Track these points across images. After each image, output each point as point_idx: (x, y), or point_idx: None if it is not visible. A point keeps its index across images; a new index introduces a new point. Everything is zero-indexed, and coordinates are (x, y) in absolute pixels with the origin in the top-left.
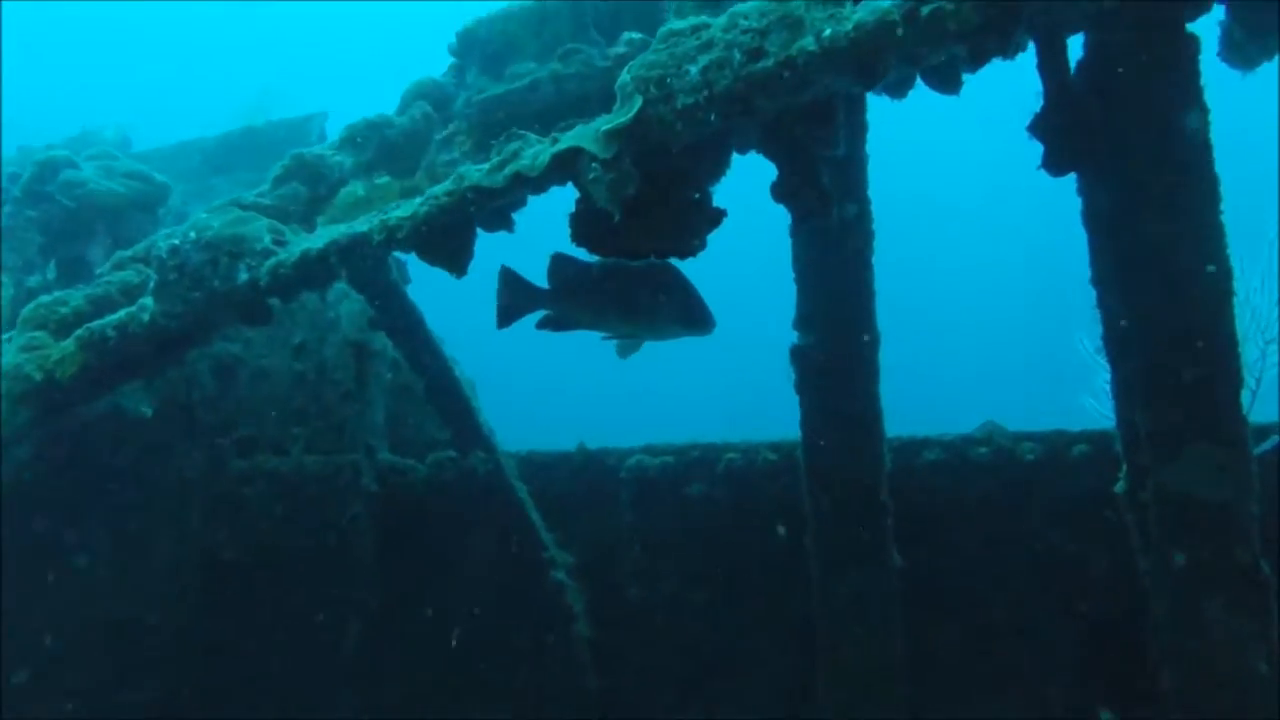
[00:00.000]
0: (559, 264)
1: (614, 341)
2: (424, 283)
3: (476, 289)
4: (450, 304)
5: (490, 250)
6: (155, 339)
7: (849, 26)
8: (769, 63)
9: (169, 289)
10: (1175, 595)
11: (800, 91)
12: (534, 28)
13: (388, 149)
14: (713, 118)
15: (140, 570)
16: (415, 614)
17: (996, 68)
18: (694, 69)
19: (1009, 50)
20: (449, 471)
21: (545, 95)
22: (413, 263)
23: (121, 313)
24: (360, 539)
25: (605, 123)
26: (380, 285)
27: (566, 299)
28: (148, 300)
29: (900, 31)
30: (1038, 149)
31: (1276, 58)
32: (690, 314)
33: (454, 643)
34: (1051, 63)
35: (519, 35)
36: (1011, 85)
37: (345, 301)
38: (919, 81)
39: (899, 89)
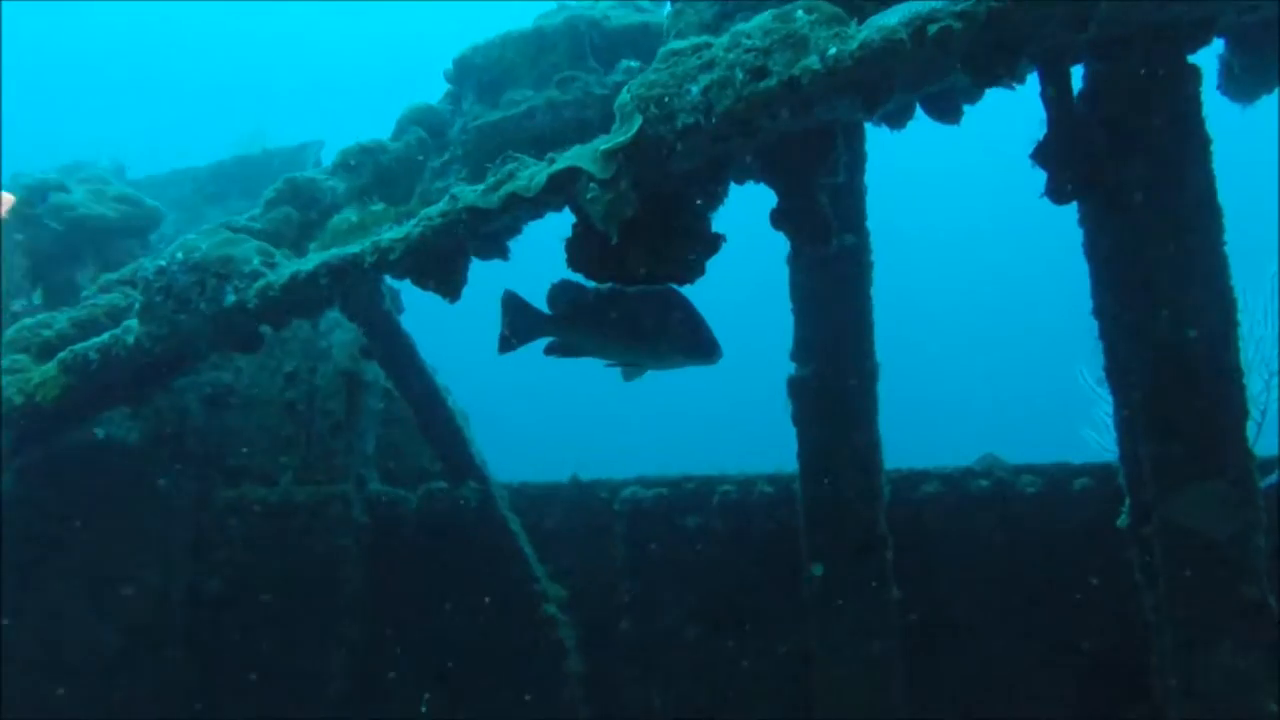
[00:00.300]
0: (560, 290)
1: (618, 367)
2: (417, 312)
3: (469, 318)
4: (443, 333)
5: (484, 280)
6: (140, 362)
7: (854, 46)
8: (772, 82)
9: (154, 311)
10: (1181, 633)
11: (804, 112)
12: (531, 55)
13: (382, 174)
14: (714, 136)
15: (124, 601)
16: (404, 647)
17: (998, 97)
18: (695, 88)
19: (1014, 75)
20: (440, 503)
21: (542, 122)
22: (406, 291)
23: (105, 335)
24: (349, 571)
25: (604, 142)
26: (373, 313)
27: (570, 326)
28: (133, 322)
29: (907, 50)
30: (1040, 177)
31: (1276, 90)
32: (696, 344)
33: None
34: (1054, 91)
35: (516, 62)
36: (1014, 114)
37: (337, 330)
38: (919, 111)
39: (898, 119)
